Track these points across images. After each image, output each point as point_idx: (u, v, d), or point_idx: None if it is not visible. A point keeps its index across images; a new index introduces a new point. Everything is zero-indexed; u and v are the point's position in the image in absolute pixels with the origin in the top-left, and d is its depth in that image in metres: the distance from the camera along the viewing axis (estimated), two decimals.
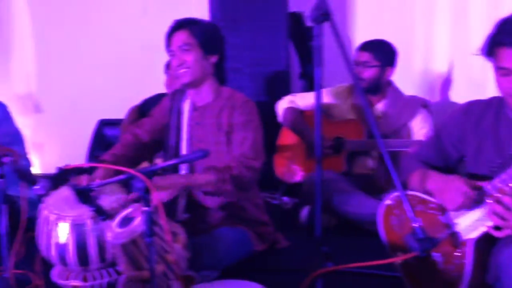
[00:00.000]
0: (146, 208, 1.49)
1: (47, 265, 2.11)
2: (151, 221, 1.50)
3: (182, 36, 2.13)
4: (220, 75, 2.25)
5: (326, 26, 1.64)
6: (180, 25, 2.16)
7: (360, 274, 2.00)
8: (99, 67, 4.06)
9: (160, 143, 2.35)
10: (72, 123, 4.07)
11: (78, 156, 3.80)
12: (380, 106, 2.79)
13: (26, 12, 4.12)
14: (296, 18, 3.62)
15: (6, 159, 1.80)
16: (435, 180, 1.70)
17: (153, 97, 3.34)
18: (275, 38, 3.43)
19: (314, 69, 1.63)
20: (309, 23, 3.63)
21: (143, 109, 3.33)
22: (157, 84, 3.39)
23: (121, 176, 1.57)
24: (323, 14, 1.57)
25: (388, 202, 1.85)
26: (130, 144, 2.29)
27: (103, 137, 3.93)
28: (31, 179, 1.84)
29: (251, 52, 3.43)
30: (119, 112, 3.70)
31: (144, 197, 1.49)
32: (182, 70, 2.13)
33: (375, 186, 2.76)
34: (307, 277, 1.85)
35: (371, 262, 1.65)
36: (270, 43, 3.44)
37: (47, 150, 4.11)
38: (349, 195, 2.59)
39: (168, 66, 3.14)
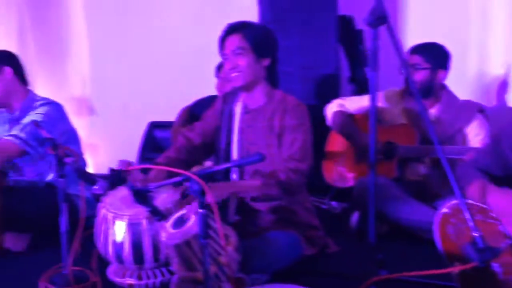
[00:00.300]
0: (201, 210, 1.52)
1: (103, 263, 2.19)
2: (205, 223, 1.53)
3: (235, 40, 2.15)
4: (272, 78, 2.26)
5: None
6: (234, 28, 2.18)
7: (415, 283, 1.95)
8: (150, 71, 4.16)
9: (211, 146, 2.38)
10: (124, 125, 4.19)
11: (129, 158, 3.87)
12: (433, 111, 2.72)
13: (82, 19, 4.28)
14: (346, 21, 3.59)
15: (68, 160, 1.87)
16: (496, 197, 1.65)
17: (204, 99, 3.38)
18: (324, 41, 3.40)
19: (369, 72, 1.61)
20: (359, 26, 3.60)
21: (194, 110, 3.38)
22: (208, 87, 3.44)
23: (178, 178, 1.59)
24: (380, 18, 1.55)
25: (444, 210, 1.81)
26: (182, 147, 2.33)
27: (154, 139, 4.02)
28: (91, 179, 1.89)
29: (300, 55, 3.42)
30: (169, 114, 3.78)
31: (199, 199, 1.52)
32: (234, 74, 2.16)
33: (427, 193, 2.70)
34: (360, 283, 1.83)
35: (427, 272, 1.62)
36: (320, 46, 3.41)
37: (101, 151, 4.25)
38: (401, 201, 2.53)
39: (219, 69, 3.18)
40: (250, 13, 3.48)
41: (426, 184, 2.71)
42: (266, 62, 2.19)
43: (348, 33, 3.56)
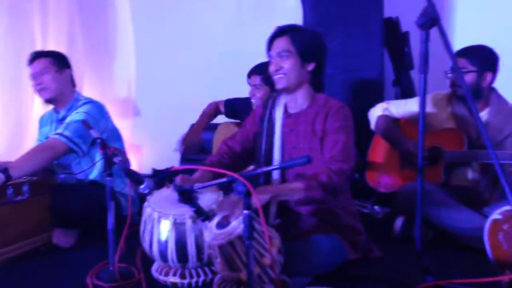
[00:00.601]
0: (246, 211, 1.53)
1: (147, 261, 2.22)
2: (250, 224, 1.53)
3: (282, 43, 2.16)
4: (317, 82, 2.25)
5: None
6: (282, 31, 2.18)
7: None
8: (193, 73, 4.23)
9: (252, 152, 2.39)
10: (167, 126, 4.25)
11: (172, 158, 3.97)
12: (483, 115, 2.64)
13: (129, 23, 4.40)
14: (392, 23, 3.53)
15: (116, 159, 1.92)
16: None
17: (243, 99, 3.40)
18: (369, 44, 3.36)
19: (419, 75, 1.57)
20: (405, 28, 3.53)
21: (231, 107, 3.40)
22: (247, 91, 3.46)
23: (224, 179, 1.61)
24: (431, 19, 1.52)
25: (496, 216, 1.75)
26: (224, 153, 2.36)
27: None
28: (138, 179, 1.94)
29: (343, 58, 3.39)
30: None
31: (244, 201, 1.53)
32: (278, 76, 2.16)
33: (475, 199, 2.62)
34: None
35: (477, 279, 1.57)
36: (364, 49, 3.37)
37: (144, 152, 4.34)
38: (448, 207, 2.46)
39: (249, 76, 3.17)
40: (295, 15, 3.48)
41: (474, 190, 2.63)
42: (310, 67, 2.19)
43: (393, 35, 3.51)
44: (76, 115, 2.63)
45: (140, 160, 4.31)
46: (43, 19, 4.34)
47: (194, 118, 4.13)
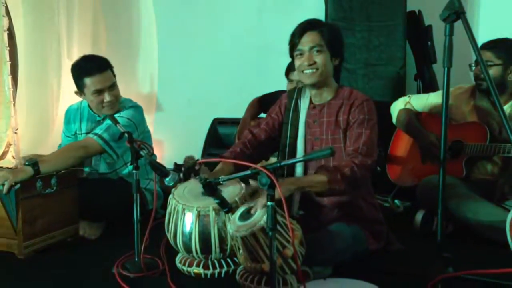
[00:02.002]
0: (270, 203, 1.55)
1: (170, 252, 2.28)
2: (274, 215, 1.56)
3: (314, 37, 2.16)
4: (336, 76, 2.28)
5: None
6: (313, 25, 2.19)
7: (483, 282, 1.89)
8: (215, 69, 4.26)
9: (276, 142, 2.41)
10: (189, 121, 4.31)
11: (193, 153, 3.99)
12: (505, 109, 2.61)
13: (152, 19, 4.45)
14: (414, 17, 3.51)
15: (143, 152, 1.97)
16: None
17: (275, 92, 3.40)
18: (392, 38, 3.35)
19: (444, 68, 1.57)
20: (428, 22, 3.51)
21: (264, 102, 3.41)
22: (271, 84, 3.48)
23: (248, 171, 1.64)
24: (456, 13, 1.52)
25: None
26: (248, 143, 2.37)
27: (217, 135, 4.11)
28: (163, 172, 1.98)
29: (366, 52, 3.39)
30: (232, 111, 3.86)
31: (268, 192, 1.56)
32: (310, 70, 2.17)
33: (496, 193, 2.60)
34: (425, 281, 1.81)
35: (497, 270, 1.56)
36: (387, 43, 3.37)
37: (166, 146, 4.39)
38: (469, 201, 2.46)
39: (289, 71, 3.18)
40: (317, 9, 3.49)
41: (495, 184, 2.62)
42: (337, 61, 2.22)
43: (416, 29, 3.49)
44: (118, 119, 2.63)
45: (162, 154, 4.37)
46: (68, 16, 4.41)
47: (215, 113, 4.18)
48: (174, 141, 4.40)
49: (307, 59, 2.16)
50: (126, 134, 2.04)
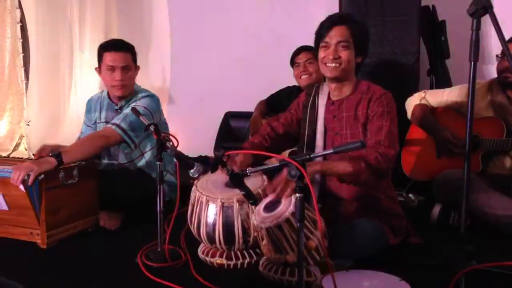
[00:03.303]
0: (299, 195, 1.58)
1: (190, 243, 2.30)
2: (303, 206, 1.58)
3: (343, 32, 2.17)
4: (355, 72, 2.30)
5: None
6: (343, 20, 2.20)
7: (507, 275, 1.92)
8: (227, 63, 4.28)
9: (293, 136, 2.44)
10: (201, 114, 4.33)
11: (206, 146, 4.05)
12: None
13: (165, 11, 4.46)
14: (428, 12, 3.52)
15: (169, 144, 1.99)
16: None
17: (281, 91, 3.45)
18: (405, 32, 3.35)
19: (471, 63, 1.59)
20: (442, 16, 3.52)
21: (272, 102, 3.46)
22: (282, 78, 3.50)
23: (276, 164, 1.66)
24: (483, 8, 1.54)
25: None
26: (267, 135, 2.40)
27: (229, 128, 4.14)
28: (188, 163, 2.01)
29: (380, 46, 3.40)
30: (244, 105, 3.88)
31: (297, 184, 1.58)
32: (333, 64, 2.18)
33: None
34: (446, 273, 1.83)
35: None
36: (400, 38, 3.37)
37: (179, 139, 4.41)
38: (486, 195, 2.48)
39: (293, 59, 3.22)
40: (331, 4, 3.50)
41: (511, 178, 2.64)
42: (360, 59, 2.23)
43: (430, 24, 3.50)
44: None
45: None
46: (80, 8, 4.42)
47: (227, 106, 4.20)
48: (186, 134, 4.39)
49: (333, 53, 2.17)
50: (152, 127, 2.06)
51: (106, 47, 2.80)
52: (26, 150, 4.27)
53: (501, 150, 2.63)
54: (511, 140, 2.57)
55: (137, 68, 2.89)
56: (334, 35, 2.18)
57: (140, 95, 2.83)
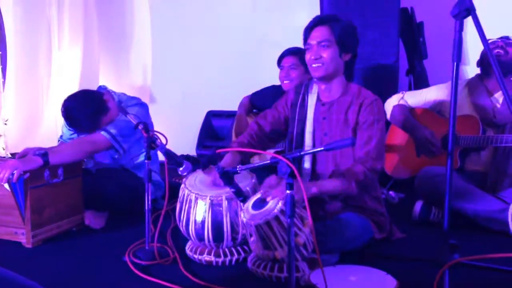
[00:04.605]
0: (289, 192, 1.61)
1: (177, 241, 2.31)
2: (293, 203, 1.61)
3: (323, 32, 2.20)
4: (349, 73, 2.31)
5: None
6: (322, 20, 2.23)
7: (488, 268, 1.99)
8: (209, 61, 4.29)
9: (280, 134, 2.46)
10: (183, 113, 4.34)
11: (188, 145, 4.05)
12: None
13: (146, 10, 4.44)
14: (407, 13, 3.61)
15: (158, 142, 2.00)
16: None
17: (266, 89, 3.47)
18: (386, 33, 3.43)
19: (454, 64, 1.65)
20: (420, 18, 3.61)
21: (256, 100, 3.47)
22: (265, 77, 3.52)
23: (266, 161, 1.69)
24: (466, 10, 1.59)
25: None
26: (254, 133, 2.42)
27: (212, 127, 4.16)
28: (177, 161, 2.02)
29: (360, 47, 3.43)
30: (226, 104, 3.91)
31: (288, 182, 1.61)
32: (316, 65, 2.21)
33: (487, 184, 2.71)
34: (431, 267, 1.89)
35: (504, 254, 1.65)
36: (381, 39, 3.44)
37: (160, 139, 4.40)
38: (465, 191, 2.55)
39: (280, 61, 3.24)
40: (312, 5, 3.54)
41: (488, 175, 2.72)
42: (347, 57, 2.25)
43: (408, 26, 3.59)
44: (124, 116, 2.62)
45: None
46: (59, 7, 4.36)
47: (209, 105, 4.22)
48: (168, 133, 4.36)
49: (314, 53, 2.20)
50: (140, 125, 2.07)
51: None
52: (3, 149, 4.20)
53: (477, 147, 2.71)
54: (486, 137, 2.66)
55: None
56: (315, 36, 2.21)
57: (123, 104, 2.78)
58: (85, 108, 2.60)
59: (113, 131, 2.62)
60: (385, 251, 2.22)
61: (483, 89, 2.76)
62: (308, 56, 2.24)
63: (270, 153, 1.69)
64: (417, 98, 3.00)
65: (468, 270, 1.98)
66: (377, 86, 3.48)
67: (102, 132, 2.61)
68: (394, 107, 3.03)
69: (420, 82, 3.63)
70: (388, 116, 3.07)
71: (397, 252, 2.21)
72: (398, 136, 3.11)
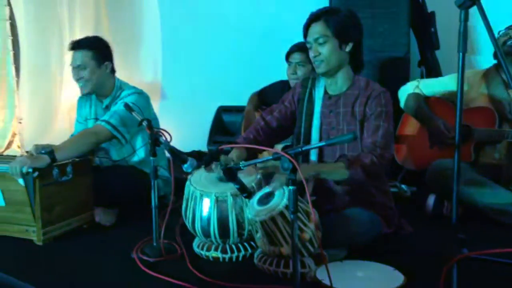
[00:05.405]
0: (291, 187, 1.59)
1: (185, 237, 2.32)
2: (296, 199, 1.60)
3: (318, 28, 2.18)
4: (356, 62, 2.27)
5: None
6: (316, 16, 2.20)
7: (498, 262, 1.95)
8: (218, 57, 4.28)
9: (287, 129, 2.44)
10: (194, 109, 4.34)
11: (199, 141, 4.06)
12: None
13: (155, 7, 4.45)
14: (418, 3, 3.54)
15: (162, 139, 2.00)
16: None
17: (274, 84, 3.45)
18: (396, 24, 3.38)
19: (460, 54, 1.61)
20: (431, 8, 3.54)
21: (265, 95, 3.46)
22: (274, 72, 3.51)
23: (269, 157, 1.67)
24: None
25: None
26: (260, 129, 2.41)
27: (222, 122, 4.15)
28: (182, 158, 2.02)
29: (370, 39, 3.40)
30: (237, 99, 3.89)
31: (290, 177, 1.59)
32: (317, 62, 2.21)
33: (502, 177, 2.66)
34: (440, 262, 1.86)
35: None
36: (391, 30, 3.39)
37: (171, 135, 4.41)
38: (478, 184, 2.51)
39: (288, 56, 3.21)
40: None
41: (502, 168, 2.67)
42: (349, 47, 2.21)
43: (419, 16, 3.52)
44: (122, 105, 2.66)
45: None
46: (70, 4, 4.40)
47: (219, 101, 4.21)
48: (179, 129, 4.39)
49: (313, 51, 2.20)
50: (145, 122, 2.07)
51: (69, 48, 2.83)
52: (19, 148, 4.27)
53: (493, 140, 2.66)
54: (502, 131, 2.60)
55: (105, 65, 2.82)
56: (311, 33, 2.20)
57: (126, 92, 2.81)
58: (97, 41, 2.84)
59: (113, 121, 2.63)
60: (395, 246, 2.19)
61: (500, 81, 2.70)
62: (310, 54, 2.24)
63: (275, 150, 1.67)
64: (433, 86, 2.96)
65: (476, 265, 1.94)
66: (388, 79, 3.45)
67: (102, 123, 2.63)
68: (409, 95, 2.99)
69: (432, 73, 3.56)
70: (402, 104, 3.03)
71: (407, 247, 2.18)
72: (410, 126, 3.07)
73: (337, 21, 2.16)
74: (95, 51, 2.79)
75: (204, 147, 3.99)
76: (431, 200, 2.64)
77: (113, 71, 2.89)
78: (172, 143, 2.12)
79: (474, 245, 1.93)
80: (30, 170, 2.23)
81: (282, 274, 1.92)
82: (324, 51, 2.17)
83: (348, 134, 1.56)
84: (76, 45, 2.80)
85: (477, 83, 2.76)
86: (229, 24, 4.24)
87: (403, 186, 3.11)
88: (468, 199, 2.50)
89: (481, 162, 2.70)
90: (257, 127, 2.42)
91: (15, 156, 2.79)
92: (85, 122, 2.98)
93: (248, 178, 2.12)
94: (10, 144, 4.23)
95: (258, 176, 2.15)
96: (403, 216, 2.42)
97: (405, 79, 3.41)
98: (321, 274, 1.79)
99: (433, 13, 3.51)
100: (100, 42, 2.87)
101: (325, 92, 2.32)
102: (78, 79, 2.80)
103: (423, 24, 3.54)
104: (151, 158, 2.10)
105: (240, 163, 1.77)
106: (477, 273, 1.91)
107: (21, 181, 2.24)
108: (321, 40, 2.17)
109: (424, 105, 2.90)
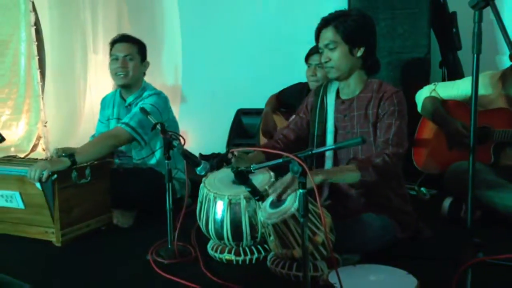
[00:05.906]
0: (302, 190, 1.59)
1: (200, 240, 2.34)
2: (306, 202, 1.59)
3: (328, 34, 2.17)
4: (370, 65, 2.24)
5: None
6: (327, 22, 2.19)
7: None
8: (238, 60, 4.30)
9: (305, 140, 2.43)
10: (213, 112, 4.37)
11: (218, 143, 4.09)
12: None
13: (176, 11, 4.50)
14: (439, 4, 3.48)
15: (176, 143, 2.02)
16: None
17: (293, 86, 3.44)
18: (416, 25, 3.34)
19: (474, 55, 1.58)
20: (452, 9, 3.48)
21: (283, 97, 3.45)
22: (294, 74, 3.50)
23: (279, 160, 1.67)
24: (484, 0, 1.52)
25: None
26: (280, 140, 2.41)
27: (241, 125, 4.17)
28: (195, 161, 2.04)
29: (390, 40, 3.38)
30: (256, 101, 3.90)
31: (300, 180, 1.59)
32: (327, 68, 2.20)
33: None
34: (455, 267, 1.82)
35: None
36: (411, 31, 3.35)
37: (191, 137, 4.46)
38: (497, 187, 2.46)
39: (308, 58, 3.21)
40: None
41: None
42: (360, 51, 2.19)
43: (440, 16, 3.47)
44: (142, 106, 2.71)
45: (187, 145, 4.43)
46: (93, 10, 4.49)
47: (238, 103, 4.23)
48: (199, 132, 4.46)
49: (324, 57, 2.20)
50: (159, 126, 2.10)
51: (113, 41, 2.93)
52: (44, 150, 4.37)
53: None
54: None
55: (145, 63, 2.95)
56: (321, 40, 2.20)
57: (147, 93, 2.87)
58: (141, 41, 2.98)
59: (132, 123, 2.68)
60: (410, 250, 2.16)
61: None
62: (321, 59, 2.24)
63: (287, 154, 1.66)
64: (449, 89, 2.91)
65: (492, 269, 1.90)
66: (408, 80, 3.42)
67: (122, 126, 2.68)
68: (425, 99, 2.95)
69: (454, 74, 3.50)
70: (419, 108, 2.99)
71: (422, 251, 2.15)
72: (428, 130, 3.03)
73: (346, 26, 2.14)
74: (141, 47, 2.92)
75: (223, 150, 4.01)
76: (446, 203, 2.60)
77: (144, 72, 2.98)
78: (191, 146, 2.14)
79: (492, 249, 1.90)
80: (50, 173, 2.28)
81: (294, 277, 1.92)
82: (334, 56, 2.16)
83: (356, 138, 1.55)
84: (126, 38, 2.92)
85: (495, 84, 2.70)
86: (247, 28, 4.26)
87: (422, 189, 3.07)
88: (487, 201, 2.45)
89: (501, 164, 2.65)
90: (276, 138, 2.43)
91: (36, 159, 2.86)
92: (107, 122, 3.05)
93: (262, 180, 2.12)
94: (35, 146, 4.33)
95: (272, 179, 2.15)
96: (422, 220, 2.38)
97: (426, 80, 3.37)
98: (333, 278, 1.77)
99: (454, 14, 3.45)
100: (142, 42, 2.99)
101: (338, 97, 2.31)
102: (121, 68, 2.85)
103: (445, 25, 3.48)
104: (166, 161, 2.12)
105: (251, 166, 1.78)
106: (492, 278, 1.87)
107: (38, 185, 2.29)
108: (331, 46, 2.16)
109: (441, 108, 2.85)
